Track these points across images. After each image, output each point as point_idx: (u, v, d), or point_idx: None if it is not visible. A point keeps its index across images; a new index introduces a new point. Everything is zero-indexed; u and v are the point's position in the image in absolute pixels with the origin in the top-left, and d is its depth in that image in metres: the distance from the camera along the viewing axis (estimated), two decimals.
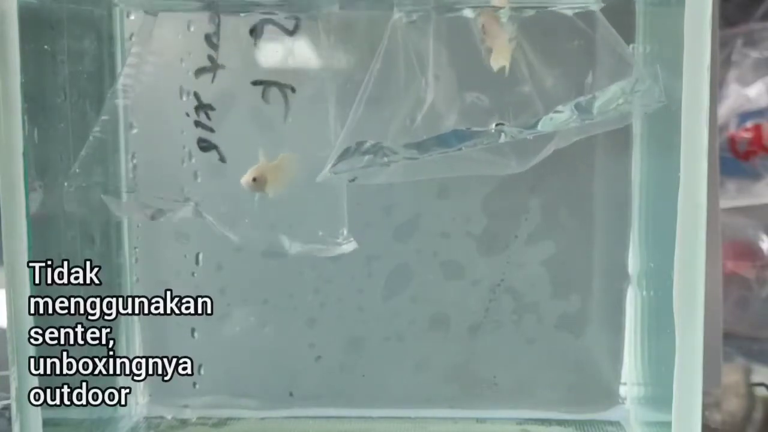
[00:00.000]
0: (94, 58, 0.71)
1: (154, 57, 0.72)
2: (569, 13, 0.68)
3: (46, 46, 0.65)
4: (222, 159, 0.74)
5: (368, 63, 0.67)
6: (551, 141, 0.66)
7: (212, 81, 0.73)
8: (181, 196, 0.73)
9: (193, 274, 0.76)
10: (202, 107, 0.74)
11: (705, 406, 0.71)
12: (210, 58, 0.73)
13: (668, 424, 0.61)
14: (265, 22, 0.73)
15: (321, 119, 0.69)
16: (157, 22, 0.72)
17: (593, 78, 0.67)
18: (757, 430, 0.80)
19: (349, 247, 0.69)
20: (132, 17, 0.74)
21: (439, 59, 0.68)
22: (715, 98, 0.83)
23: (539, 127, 0.64)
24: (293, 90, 0.73)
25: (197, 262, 0.76)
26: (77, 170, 0.67)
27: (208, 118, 0.74)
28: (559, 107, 0.64)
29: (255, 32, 0.73)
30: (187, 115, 0.74)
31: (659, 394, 0.67)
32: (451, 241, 0.75)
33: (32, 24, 0.62)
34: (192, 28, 0.73)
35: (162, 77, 0.73)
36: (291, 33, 0.73)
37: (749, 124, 1.16)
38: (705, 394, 0.61)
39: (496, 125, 0.65)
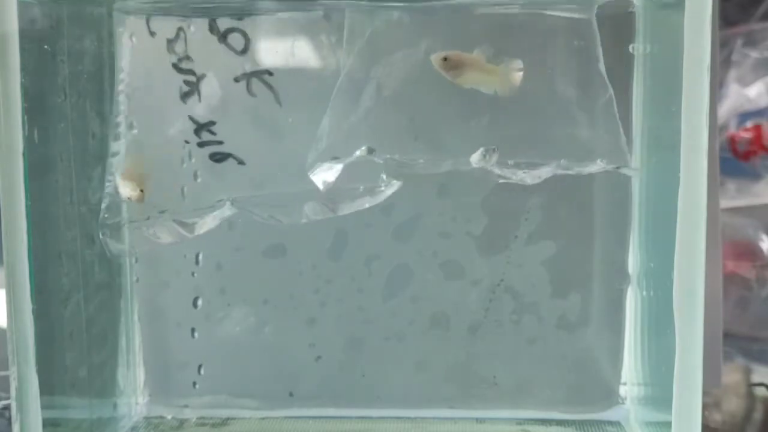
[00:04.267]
0: (94, 58, 0.71)
1: (154, 57, 0.73)
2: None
3: (46, 46, 0.65)
4: (241, 162, 0.73)
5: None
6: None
7: (200, 100, 0.73)
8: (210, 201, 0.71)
9: (193, 274, 0.76)
10: (202, 128, 0.74)
11: (705, 406, 0.71)
12: (187, 82, 0.73)
13: (668, 424, 0.61)
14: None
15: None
16: (156, 23, 0.72)
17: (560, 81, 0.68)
18: (757, 430, 0.80)
19: (392, 188, 0.68)
20: (132, 17, 0.73)
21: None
22: (715, 98, 0.83)
23: (527, 181, 0.67)
24: (270, 74, 0.73)
25: (197, 262, 0.76)
26: None
27: (213, 133, 0.74)
28: (538, 160, 0.67)
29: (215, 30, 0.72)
30: (187, 142, 0.73)
31: (659, 394, 0.67)
32: (451, 241, 0.75)
33: (32, 24, 0.62)
34: (192, 28, 0.73)
35: (162, 78, 0.73)
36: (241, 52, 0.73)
37: (749, 124, 1.16)
38: (705, 394, 0.61)
39: (485, 150, 0.66)
